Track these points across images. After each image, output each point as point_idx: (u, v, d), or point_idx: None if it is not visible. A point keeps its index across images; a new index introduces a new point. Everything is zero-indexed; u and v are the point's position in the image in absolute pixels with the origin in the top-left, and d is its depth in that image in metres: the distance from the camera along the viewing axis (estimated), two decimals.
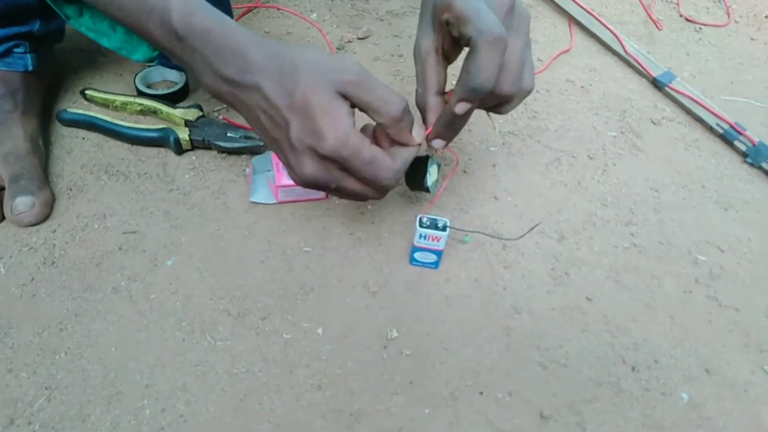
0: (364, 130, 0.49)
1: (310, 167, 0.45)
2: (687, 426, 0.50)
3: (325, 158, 0.44)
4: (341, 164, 0.45)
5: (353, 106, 0.45)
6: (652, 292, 0.58)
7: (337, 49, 0.83)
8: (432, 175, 0.58)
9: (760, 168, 0.72)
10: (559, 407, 0.50)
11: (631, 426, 0.49)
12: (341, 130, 0.43)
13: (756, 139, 0.72)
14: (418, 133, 0.49)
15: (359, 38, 0.85)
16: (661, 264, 0.61)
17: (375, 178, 0.46)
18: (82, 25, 0.57)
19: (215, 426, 0.47)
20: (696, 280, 0.60)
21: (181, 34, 0.44)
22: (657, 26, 0.93)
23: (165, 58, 0.65)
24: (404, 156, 0.48)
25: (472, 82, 0.45)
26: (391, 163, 0.47)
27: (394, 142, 0.49)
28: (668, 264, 0.61)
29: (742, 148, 0.73)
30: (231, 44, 0.44)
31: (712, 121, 0.76)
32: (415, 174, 0.58)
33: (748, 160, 0.72)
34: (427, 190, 0.58)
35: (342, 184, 0.47)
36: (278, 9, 0.88)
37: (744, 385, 0.53)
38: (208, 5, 0.45)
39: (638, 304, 0.57)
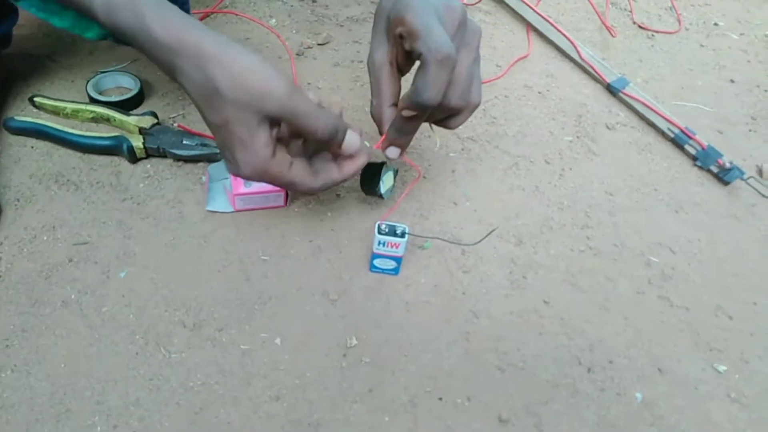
0: None
1: (237, 173, 0.47)
2: (640, 425, 0.51)
3: (247, 177, 0.47)
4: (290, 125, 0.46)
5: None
6: (606, 294, 0.60)
7: (297, 54, 0.82)
8: (386, 183, 0.58)
9: (708, 171, 0.74)
10: (517, 410, 0.50)
11: (587, 426, 0.50)
12: (258, 165, 0.45)
13: (705, 143, 0.75)
14: (350, 145, 0.49)
15: (319, 44, 0.85)
16: (615, 266, 0.62)
17: (296, 193, 0.50)
18: (31, 6, 0.54)
19: None
20: (649, 281, 0.61)
21: (105, 23, 0.44)
22: (611, 33, 0.95)
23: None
24: (331, 177, 0.50)
25: (418, 97, 0.47)
26: (312, 181, 0.49)
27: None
28: (622, 265, 0.62)
29: (692, 151, 0.75)
30: (150, 23, 0.43)
31: (663, 125, 0.78)
32: (370, 180, 0.58)
33: (698, 163, 0.74)
34: (380, 196, 0.58)
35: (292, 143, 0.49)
36: (236, 15, 0.87)
37: (694, 383, 0.54)
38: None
39: (593, 306, 0.59)
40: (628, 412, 0.51)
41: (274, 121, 0.45)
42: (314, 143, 0.48)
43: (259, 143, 0.44)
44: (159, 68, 0.45)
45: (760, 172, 0.75)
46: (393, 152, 0.53)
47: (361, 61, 0.83)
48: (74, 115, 0.66)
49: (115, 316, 0.52)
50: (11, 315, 0.51)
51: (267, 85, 0.43)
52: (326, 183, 0.50)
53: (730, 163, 0.73)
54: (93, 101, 0.68)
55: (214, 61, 0.42)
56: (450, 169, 0.70)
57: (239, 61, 0.42)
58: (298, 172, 0.48)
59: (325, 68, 0.81)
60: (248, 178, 0.46)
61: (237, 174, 0.46)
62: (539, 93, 0.83)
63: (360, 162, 0.51)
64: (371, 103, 0.54)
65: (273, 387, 0.50)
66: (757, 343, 0.58)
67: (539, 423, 0.50)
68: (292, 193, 0.63)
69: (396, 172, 0.61)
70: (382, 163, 0.58)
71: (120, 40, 0.61)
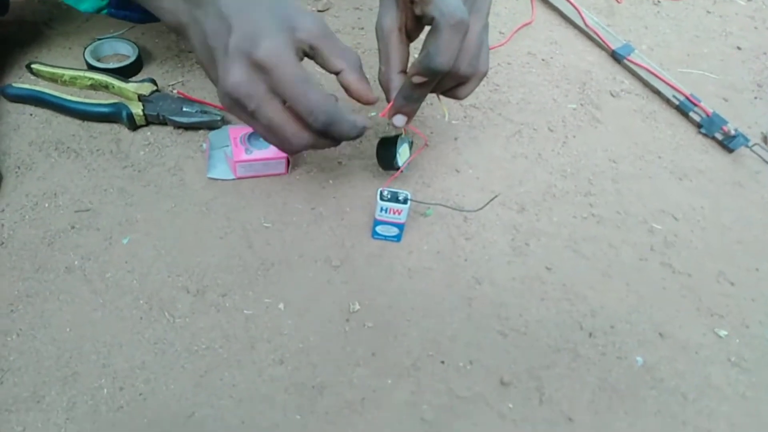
0: None
1: (237, 74, 0.42)
2: (641, 388, 0.51)
3: (255, 66, 0.42)
4: (271, 79, 0.42)
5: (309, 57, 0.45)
6: (609, 261, 0.60)
7: None
8: (402, 155, 0.58)
9: (713, 138, 0.73)
10: (519, 373, 0.51)
11: (588, 390, 0.51)
12: (280, 44, 0.42)
13: (710, 110, 0.74)
14: (368, 94, 0.48)
15: (319, 10, 0.83)
16: (618, 233, 0.62)
17: (303, 101, 0.43)
18: None
19: (175, 403, 0.46)
20: (651, 248, 0.61)
21: None
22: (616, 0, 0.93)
23: (115, 8, 0.62)
24: (343, 114, 0.45)
25: (430, 62, 0.45)
26: (325, 97, 0.44)
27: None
28: (625, 233, 0.62)
29: (697, 119, 0.74)
30: None
31: (668, 92, 0.77)
32: (386, 153, 0.58)
33: (703, 130, 0.74)
34: (398, 168, 0.58)
35: (263, 105, 0.43)
36: None
37: (695, 347, 0.55)
38: None
39: (596, 273, 0.59)
40: (628, 375, 0.52)
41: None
42: (346, 66, 0.46)
43: (287, 41, 0.43)
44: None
45: (765, 139, 0.75)
46: (400, 120, 0.52)
47: (362, 28, 0.82)
48: (72, 82, 0.66)
49: (118, 282, 0.52)
50: (15, 281, 0.52)
51: (306, 17, 0.44)
52: (336, 113, 0.45)
53: (735, 130, 0.72)
54: (91, 68, 0.67)
55: None
56: (452, 136, 0.69)
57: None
58: (313, 76, 0.46)
59: None
60: (264, 55, 0.41)
61: (254, 50, 0.41)
62: (543, 60, 0.81)
63: (361, 120, 0.48)
64: (379, 69, 0.53)
65: (277, 351, 0.50)
66: (759, 309, 0.58)
67: (540, 386, 0.50)
68: (293, 159, 0.62)
69: (411, 144, 0.60)
70: (397, 136, 0.58)
71: (117, 11, 0.60)
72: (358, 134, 0.47)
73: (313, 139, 0.46)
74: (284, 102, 0.44)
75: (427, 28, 0.48)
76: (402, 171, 0.58)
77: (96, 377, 0.47)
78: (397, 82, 0.51)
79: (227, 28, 0.42)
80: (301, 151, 0.47)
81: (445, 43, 0.44)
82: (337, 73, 0.47)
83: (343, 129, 0.46)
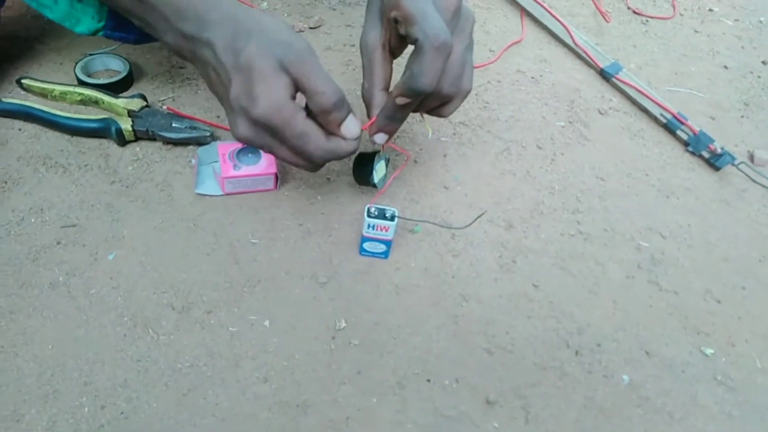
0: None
1: (243, 128, 0.46)
2: (627, 407, 0.51)
3: (256, 122, 0.45)
4: (272, 131, 0.46)
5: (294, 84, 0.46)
6: (596, 278, 0.60)
7: None
8: (379, 172, 0.59)
9: (700, 156, 0.74)
10: (505, 392, 0.51)
11: (574, 408, 0.50)
12: (275, 98, 0.44)
13: (697, 129, 0.75)
14: (348, 129, 0.48)
15: (311, 27, 0.84)
16: (605, 250, 0.62)
17: (303, 152, 0.47)
18: None
19: (158, 422, 0.46)
20: (638, 266, 0.62)
21: None
22: (605, 18, 0.95)
23: (111, 30, 0.63)
24: (341, 145, 0.49)
25: (414, 84, 0.46)
26: (324, 140, 0.47)
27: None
28: (612, 250, 0.63)
29: (684, 137, 0.75)
30: (191, 3, 0.46)
31: (656, 111, 0.78)
32: (362, 169, 0.59)
33: (690, 148, 0.74)
34: (373, 185, 0.59)
35: (274, 149, 0.48)
36: None
37: (682, 366, 0.55)
38: None
39: (582, 290, 0.59)
40: (615, 394, 0.52)
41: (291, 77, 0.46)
42: (317, 110, 0.47)
43: (279, 81, 0.44)
44: (180, 30, 0.47)
45: (751, 157, 0.75)
46: (381, 138, 0.53)
47: (353, 45, 0.82)
48: (62, 97, 0.66)
49: (103, 298, 0.52)
50: None
51: (292, 39, 0.45)
52: (335, 150, 0.48)
53: (722, 148, 0.73)
54: (81, 83, 0.68)
55: (245, 14, 0.46)
56: (441, 153, 0.69)
57: (268, 18, 0.47)
58: (313, 126, 0.47)
59: (316, 52, 0.80)
60: (261, 115, 0.44)
61: (252, 110, 0.44)
62: (532, 78, 0.82)
63: (349, 146, 0.49)
64: (362, 85, 0.53)
65: (261, 369, 0.50)
66: (745, 327, 0.58)
67: (526, 405, 0.50)
68: (281, 176, 0.62)
69: (388, 161, 0.61)
70: (375, 153, 0.58)
71: (113, 33, 0.62)
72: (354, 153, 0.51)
73: (322, 164, 0.51)
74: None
75: (410, 46, 0.48)
76: (383, 190, 0.60)
77: (77, 395, 0.47)
78: (379, 98, 0.52)
79: (227, 78, 0.45)
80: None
81: (429, 65, 0.45)
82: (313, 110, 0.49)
83: (343, 156, 0.49)
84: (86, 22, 0.60)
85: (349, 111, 0.48)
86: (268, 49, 0.44)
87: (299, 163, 0.49)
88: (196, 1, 0.46)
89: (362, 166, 0.59)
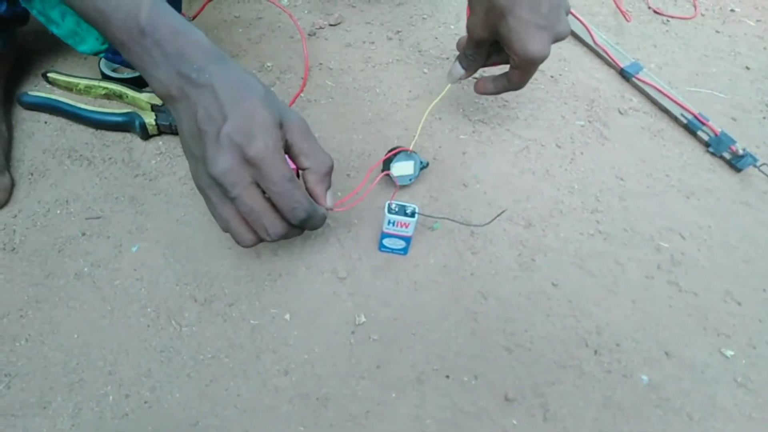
0: None
1: (227, 162, 0.43)
2: (646, 407, 0.51)
3: (246, 160, 0.44)
4: (259, 173, 0.44)
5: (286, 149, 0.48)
6: (615, 278, 0.60)
7: (308, 35, 0.82)
8: (399, 169, 0.60)
9: (721, 157, 0.73)
10: (523, 390, 0.51)
11: (592, 407, 0.50)
12: (272, 142, 0.44)
13: (718, 129, 0.74)
14: (330, 198, 0.51)
15: (331, 24, 0.84)
16: (624, 250, 0.62)
17: (287, 199, 0.46)
18: (33, 8, 0.57)
19: (180, 412, 0.47)
20: (658, 266, 0.61)
21: (147, 30, 0.44)
22: (626, 18, 0.94)
23: (113, 53, 0.64)
24: (320, 209, 0.49)
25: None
26: (306, 195, 0.47)
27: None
28: (631, 250, 0.62)
29: (705, 137, 0.75)
30: (199, 46, 0.45)
31: (676, 111, 0.77)
32: (389, 160, 0.61)
33: (710, 149, 0.74)
34: (394, 179, 0.61)
35: (246, 194, 0.45)
36: None
37: (701, 367, 0.54)
38: (176, 13, 0.46)
39: (602, 290, 0.59)
40: (634, 393, 0.52)
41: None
42: (313, 171, 0.49)
43: (278, 134, 0.45)
44: (177, 69, 0.45)
45: None
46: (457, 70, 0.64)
47: (373, 43, 0.82)
48: (87, 91, 0.67)
49: (127, 290, 0.53)
50: (25, 286, 0.52)
51: (291, 110, 0.48)
52: (316, 210, 0.49)
53: (743, 149, 0.72)
54: (106, 78, 0.68)
55: (246, 75, 0.47)
56: (460, 151, 0.69)
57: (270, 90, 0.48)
58: (299, 181, 0.47)
59: (336, 49, 0.81)
60: (257, 152, 0.43)
61: (247, 146, 0.43)
62: (551, 77, 0.82)
63: (321, 212, 0.50)
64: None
65: (282, 361, 0.50)
66: (766, 329, 0.58)
67: (545, 403, 0.50)
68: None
69: (425, 165, 0.64)
70: (406, 151, 0.60)
71: (115, 56, 0.64)
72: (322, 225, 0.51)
73: (287, 230, 0.48)
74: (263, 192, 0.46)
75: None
76: (400, 185, 0.63)
77: (102, 384, 0.47)
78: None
79: (222, 116, 0.43)
80: (272, 240, 0.48)
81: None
82: (303, 170, 0.50)
83: (316, 223, 0.49)
84: (90, 42, 0.60)
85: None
86: (271, 104, 0.45)
87: (263, 216, 0.46)
88: (201, 52, 0.45)
89: (390, 157, 0.61)
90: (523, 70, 0.59)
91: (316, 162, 0.49)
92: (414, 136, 0.65)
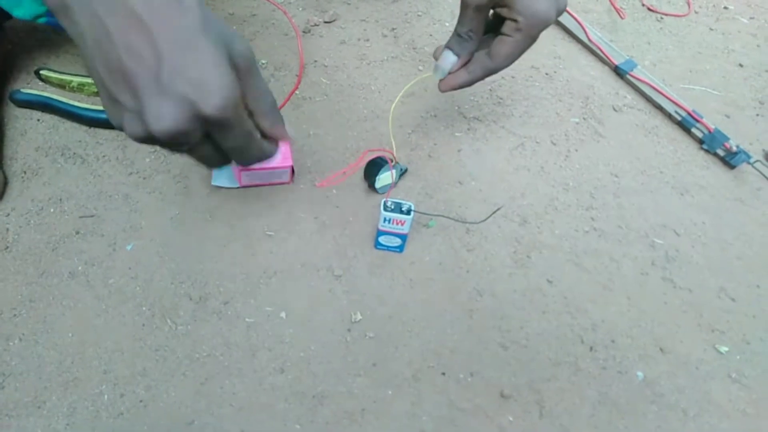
0: None
1: (174, 121, 0.34)
2: (641, 403, 0.51)
3: (203, 119, 0.35)
4: (217, 130, 0.37)
5: None
6: (610, 274, 0.60)
7: (303, 32, 0.82)
8: (381, 181, 0.61)
9: (715, 154, 0.74)
10: (519, 386, 0.51)
11: (588, 403, 0.51)
12: (231, 92, 0.35)
13: (712, 126, 0.74)
14: (290, 129, 0.44)
15: (325, 22, 0.84)
16: (619, 247, 0.62)
17: (247, 152, 0.40)
18: None
19: (175, 410, 0.46)
20: (652, 263, 0.62)
21: None
22: (620, 15, 0.94)
23: (52, 15, 0.60)
24: (271, 147, 0.43)
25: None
26: (266, 143, 0.42)
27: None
28: (626, 247, 0.63)
29: (699, 134, 0.75)
30: None
31: (670, 108, 0.78)
32: (370, 173, 0.61)
33: (704, 146, 0.74)
34: (375, 190, 0.62)
35: (198, 149, 0.39)
36: None
37: (696, 363, 0.55)
38: None
39: (597, 286, 0.59)
40: (629, 390, 0.52)
41: None
42: (261, 110, 0.41)
43: (233, 75, 0.36)
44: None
45: (766, 156, 0.75)
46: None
47: (368, 40, 0.82)
48: (80, 88, 0.66)
49: (121, 288, 0.53)
50: (19, 285, 0.52)
51: (233, 31, 0.37)
52: (269, 151, 0.43)
53: (737, 146, 0.72)
54: None
55: None
56: (455, 148, 0.69)
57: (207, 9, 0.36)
58: (253, 125, 0.40)
59: (331, 46, 0.80)
60: (216, 110, 0.34)
61: (203, 104, 0.34)
62: (546, 74, 0.82)
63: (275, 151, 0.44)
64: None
65: (277, 359, 0.50)
66: (760, 325, 0.58)
67: (540, 399, 0.50)
68: (297, 169, 0.63)
69: (404, 172, 0.64)
70: (385, 162, 0.60)
71: (55, 19, 0.57)
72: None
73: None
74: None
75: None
76: (381, 194, 0.63)
77: (97, 383, 0.47)
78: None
79: (154, 53, 0.33)
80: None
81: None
82: (249, 110, 0.41)
83: (262, 160, 0.43)
84: (26, 5, 0.52)
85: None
86: (215, 32, 0.35)
87: (214, 161, 0.41)
88: None
89: (371, 170, 0.61)
90: (522, 36, 0.50)
91: (265, 103, 0.40)
92: (392, 142, 0.63)
